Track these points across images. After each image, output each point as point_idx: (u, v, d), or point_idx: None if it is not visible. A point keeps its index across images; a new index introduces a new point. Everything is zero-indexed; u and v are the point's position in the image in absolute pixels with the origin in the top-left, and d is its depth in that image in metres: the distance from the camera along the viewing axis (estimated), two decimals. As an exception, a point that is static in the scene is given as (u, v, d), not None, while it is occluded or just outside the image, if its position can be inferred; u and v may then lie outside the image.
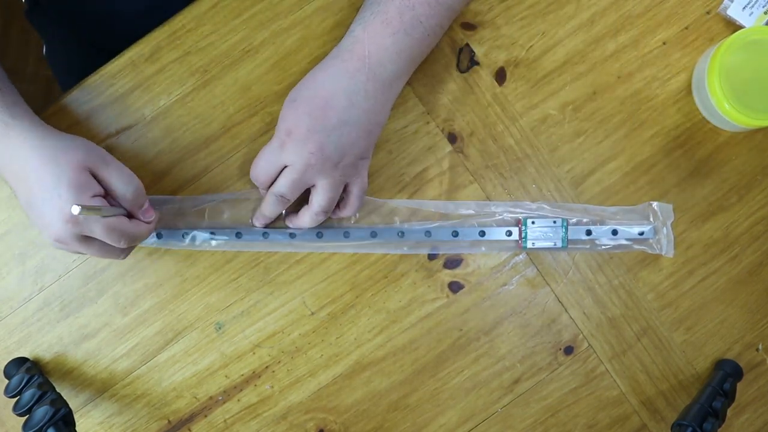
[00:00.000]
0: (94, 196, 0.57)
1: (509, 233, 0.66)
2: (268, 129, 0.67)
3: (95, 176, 0.58)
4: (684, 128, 0.67)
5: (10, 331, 0.68)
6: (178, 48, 0.67)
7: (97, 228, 0.57)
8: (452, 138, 0.68)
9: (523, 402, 0.68)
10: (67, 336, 0.68)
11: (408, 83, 0.65)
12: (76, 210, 0.52)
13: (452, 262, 0.68)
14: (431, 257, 0.67)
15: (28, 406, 0.61)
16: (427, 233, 0.66)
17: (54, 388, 0.64)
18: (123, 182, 0.59)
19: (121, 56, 0.67)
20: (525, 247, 0.66)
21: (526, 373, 0.67)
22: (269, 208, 0.64)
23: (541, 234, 0.66)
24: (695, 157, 0.67)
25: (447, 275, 0.68)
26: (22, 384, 0.63)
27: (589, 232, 0.66)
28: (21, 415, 0.61)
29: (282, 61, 0.67)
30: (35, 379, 0.64)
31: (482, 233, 0.66)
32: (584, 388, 0.67)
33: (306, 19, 0.67)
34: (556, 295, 0.67)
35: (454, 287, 0.68)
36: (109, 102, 0.67)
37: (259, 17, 0.67)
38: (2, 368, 0.67)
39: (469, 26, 0.68)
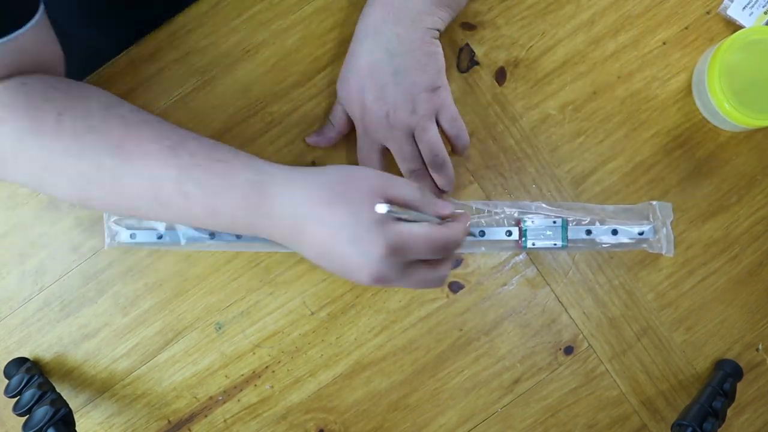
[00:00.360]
0: (396, 218, 0.52)
1: (509, 233, 0.66)
2: (268, 129, 0.67)
3: (385, 198, 0.52)
4: (684, 128, 0.67)
5: (10, 331, 0.68)
6: (178, 48, 0.67)
7: (415, 241, 0.51)
8: (452, 138, 0.67)
9: (523, 402, 0.67)
10: (67, 336, 0.68)
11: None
12: (383, 209, 0.48)
13: (452, 262, 0.68)
14: (431, 257, 0.67)
15: (28, 406, 0.61)
16: (427, 233, 0.66)
17: (54, 388, 0.64)
18: (409, 187, 0.54)
19: (121, 56, 0.67)
20: (525, 247, 0.66)
21: (526, 373, 0.67)
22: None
23: (541, 234, 0.66)
24: (695, 157, 0.67)
25: (447, 275, 0.68)
26: (22, 384, 0.63)
27: (589, 232, 0.66)
28: (21, 415, 0.61)
29: (282, 61, 0.67)
30: (35, 379, 0.64)
31: (482, 233, 0.66)
32: (584, 388, 0.67)
33: (306, 19, 0.67)
34: (556, 295, 0.67)
35: (454, 287, 0.68)
36: (109, 102, 0.67)
37: (259, 17, 0.67)
38: (2, 368, 0.67)
39: (469, 26, 0.68)
